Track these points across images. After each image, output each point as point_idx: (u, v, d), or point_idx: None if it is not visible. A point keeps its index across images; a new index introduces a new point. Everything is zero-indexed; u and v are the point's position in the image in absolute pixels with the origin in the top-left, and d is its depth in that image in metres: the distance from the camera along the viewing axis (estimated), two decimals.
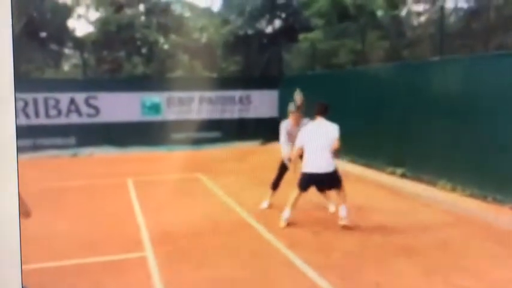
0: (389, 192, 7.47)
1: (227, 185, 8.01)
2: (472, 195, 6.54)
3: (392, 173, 8.28)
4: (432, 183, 7.30)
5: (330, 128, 5.44)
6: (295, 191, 5.60)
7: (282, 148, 6.33)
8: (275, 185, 6.58)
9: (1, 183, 1.34)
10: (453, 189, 6.87)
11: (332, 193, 6.00)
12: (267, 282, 4.10)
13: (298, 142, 5.57)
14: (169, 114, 12.82)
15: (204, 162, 10.61)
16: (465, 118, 6.75)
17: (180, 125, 12.81)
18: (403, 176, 8.06)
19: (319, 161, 5.40)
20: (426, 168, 7.55)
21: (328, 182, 5.55)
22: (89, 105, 12.15)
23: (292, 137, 6.11)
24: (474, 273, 4.17)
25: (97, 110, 12.21)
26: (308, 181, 5.51)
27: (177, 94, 12.86)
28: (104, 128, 12.18)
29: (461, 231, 5.40)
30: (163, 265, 4.45)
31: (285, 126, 6.33)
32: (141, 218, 6.08)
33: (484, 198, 6.35)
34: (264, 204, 6.55)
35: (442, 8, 9.73)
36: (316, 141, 5.41)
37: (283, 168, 6.51)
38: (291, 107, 6.28)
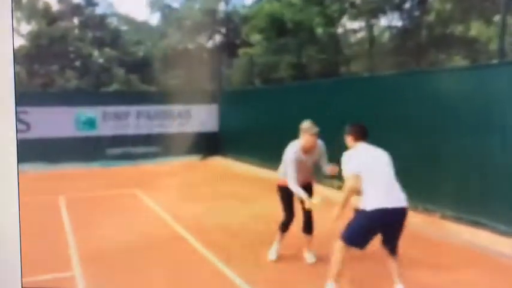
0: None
1: (165, 200, 7.75)
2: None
3: (331, 185, 8.38)
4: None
5: (385, 156, 3.92)
6: (340, 248, 3.75)
7: (296, 190, 4.40)
8: (286, 225, 4.76)
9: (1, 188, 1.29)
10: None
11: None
12: None
13: (352, 168, 3.78)
14: (105, 129, 12.33)
15: (142, 177, 10.26)
16: (396, 130, 6.94)
17: (116, 140, 12.35)
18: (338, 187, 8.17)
19: (393, 192, 3.75)
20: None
21: (400, 225, 3.75)
22: (19, 120, 11.43)
23: (300, 169, 4.49)
24: (407, 278, 4.22)
25: (28, 125, 11.52)
26: (376, 224, 3.69)
27: (112, 108, 12.42)
28: (36, 144, 11.50)
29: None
30: (92, 284, 4.19)
31: (295, 155, 4.51)
32: (71, 236, 5.72)
33: (415, 208, 6.53)
34: (272, 255, 4.83)
35: (370, 27, 10.10)
36: (381, 167, 3.84)
37: (289, 199, 4.69)
38: (308, 126, 4.54)
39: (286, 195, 4.64)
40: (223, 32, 20.08)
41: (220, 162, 12.44)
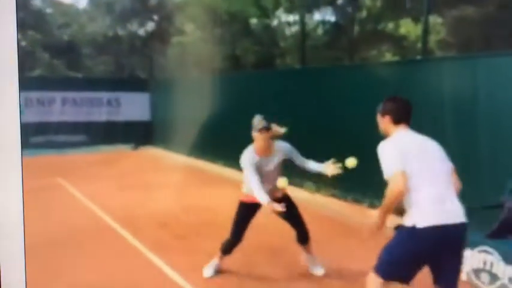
0: None
1: (92, 190, 7.45)
2: (334, 196, 6.97)
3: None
4: (299, 185, 7.59)
5: (433, 146, 2.80)
6: (374, 284, 2.70)
7: (258, 194, 3.59)
8: (229, 248, 4.03)
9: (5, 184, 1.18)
10: (317, 191, 7.26)
11: None
12: (131, 286, 3.95)
13: (396, 163, 2.65)
14: (27, 116, 11.59)
15: (67, 167, 9.78)
16: (327, 122, 7.14)
17: (40, 127, 11.65)
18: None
19: (449, 200, 2.65)
20: (294, 172, 7.85)
21: (459, 250, 2.72)
22: None
23: (264, 177, 3.74)
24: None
25: None
26: (427, 249, 2.63)
27: (35, 94, 11.70)
28: None
29: (321, 227, 5.67)
30: (11, 277, 3.92)
31: (250, 159, 3.76)
32: None
33: (345, 198, 6.81)
34: (208, 271, 4.11)
35: (302, 19, 10.29)
36: (431, 164, 2.71)
37: (244, 219, 3.92)
38: (257, 122, 3.79)
39: (244, 212, 3.91)
40: (155, 20, 19.56)
41: (152, 152, 12.14)
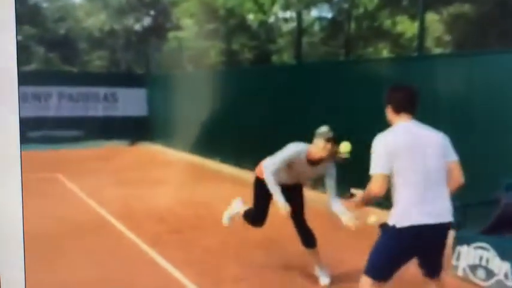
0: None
1: (89, 185, 7.47)
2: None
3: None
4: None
5: (430, 141, 2.73)
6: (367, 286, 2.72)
7: (269, 183, 3.61)
8: (255, 219, 4.00)
9: (4, 182, 1.19)
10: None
11: None
12: (128, 280, 3.97)
13: (382, 165, 2.65)
14: (24, 111, 11.51)
15: (65, 162, 9.78)
16: (323, 118, 7.19)
17: (36, 122, 11.62)
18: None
19: (432, 202, 2.66)
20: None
21: (440, 247, 2.78)
22: None
23: (291, 173, 3.71)
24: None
25: None
26: (407, 248, 2.71)
27: (31, 89, 11.67)
28: None
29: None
30: (6, 272, 3.94)
31: (295, 152, 3.65)
32: None
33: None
34: (226, 219, 4.25)
35: (299, 15, 10.30)
36: (422, 159, 2.66)
37: (265, 198, 3.81)
38: (323, 131, 3.62)
39: (263, 194, 3.76)
40: (152, 15, 19.50)
41: (149, 148, 12.15)
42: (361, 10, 12.42)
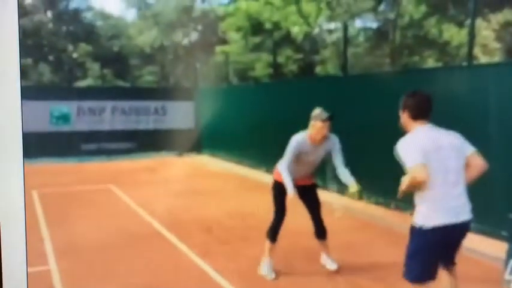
0: None
1: (141, 196, 7.76)
2: (377, 203, 6.95)
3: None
4: (341, 192, 7.61)
5: (450, 142, 2.90)
6: None
7: (284, 178, 4.03)
8: (274, 233, 4.31)
9: (7, 183, 1.31)
10: (360, 198, 7.25)
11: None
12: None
13: (419, 157, 2.78)
14: (79, 125, 12.18)
15: (117, 173, 10.21)
16: (374, 130, 7.14)
17: (91, 135, 12.21)
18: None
19: (453, 201, 2.85)
20: (335, 178, 7.88)
21: (460, 243, 2.97)
22: None
23: (302, 161, 4.14)
24: (374, 273, 4.39)
25: None
26: (436, 246, 2.85)
27: (87, 103, 12.28)
28: None
29: (366, 236, 5.69)
30: (67, 278, 4.20)
31: (298, 142, 4.10)
32: (45, 230, 5.69)
33: (387, 205, 6.77)
34: (265, 271, 4.32)
35: (345, 26, 10.29)
36: (440, 164, 2.81)
37: (282, 201, 4.20)
38: (318, 113, 4.05)
39: (280, 193, 4.14)
40: (199, 30, 20.01)
41: (196, 159, 12.45)
42: (406, 19, 12.27)
